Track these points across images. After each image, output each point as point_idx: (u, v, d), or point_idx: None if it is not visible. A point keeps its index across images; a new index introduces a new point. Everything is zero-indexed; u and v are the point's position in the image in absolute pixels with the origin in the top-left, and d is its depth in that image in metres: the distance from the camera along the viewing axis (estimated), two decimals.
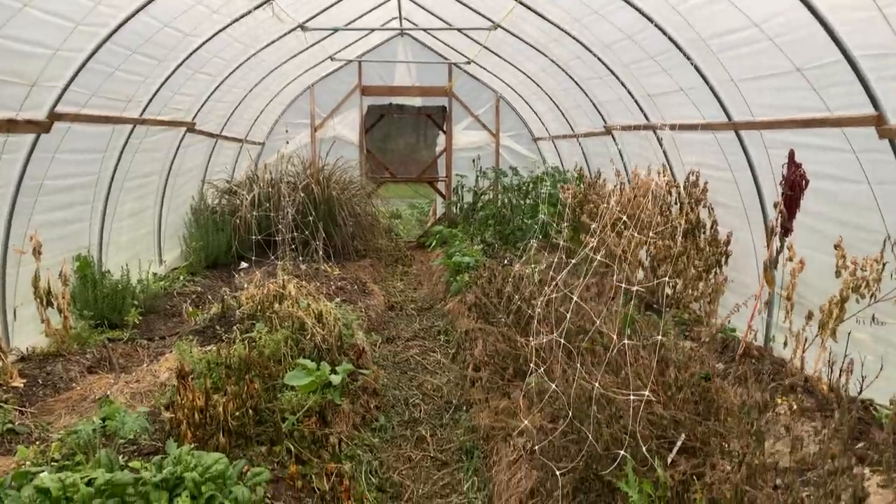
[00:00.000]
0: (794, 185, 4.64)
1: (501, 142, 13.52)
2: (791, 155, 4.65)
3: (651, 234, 7.20)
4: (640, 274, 7.37)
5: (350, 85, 13.06)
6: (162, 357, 5.72)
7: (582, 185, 9.98)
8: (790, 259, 4.63)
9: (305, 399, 4.09)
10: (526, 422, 3.58)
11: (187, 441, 3.29)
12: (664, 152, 7.43)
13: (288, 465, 3.56)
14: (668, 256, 6.74)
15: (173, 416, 3.41)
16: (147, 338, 6.47)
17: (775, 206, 4.81)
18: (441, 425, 5.28)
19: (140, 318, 6.85)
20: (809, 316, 4.61)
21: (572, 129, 10.69)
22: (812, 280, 4.81)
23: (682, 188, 6.92)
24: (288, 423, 3.74)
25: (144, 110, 7.02)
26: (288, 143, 12.95)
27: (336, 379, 4.05)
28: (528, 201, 11.91)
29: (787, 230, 4.75)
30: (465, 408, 5.45)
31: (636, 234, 7.46)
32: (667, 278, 6.78)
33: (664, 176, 7.18)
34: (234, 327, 5.18)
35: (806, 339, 4.50)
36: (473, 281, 7.71)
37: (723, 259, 6.36)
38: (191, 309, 6.65)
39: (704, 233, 6.73)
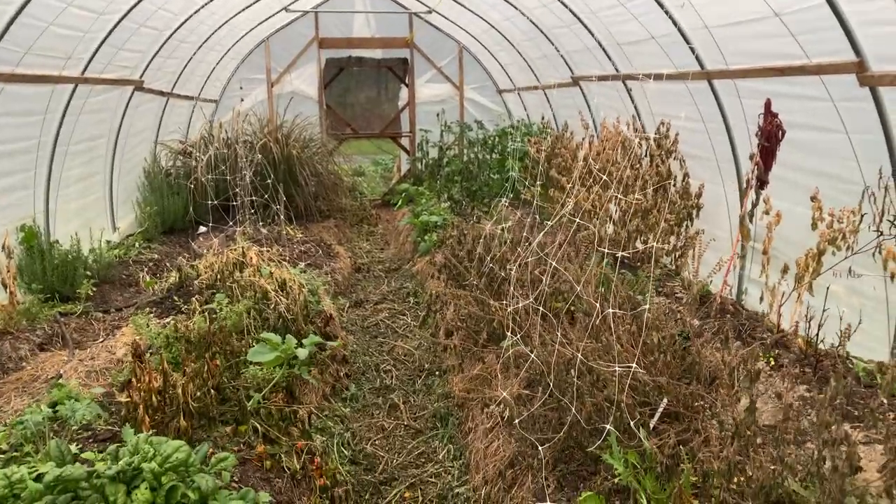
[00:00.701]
0: (771, 135, 4.51)
1: (466, 95, 13.19)
2: (768, 104, 4.50)
3: (621, 188, 7.07)
4: (610, 228, 7.27)
5: (307, 37, 12.54)
6: (119, 331, 5.45)
7: (549, 139, 9.78)
8: (766, 212, 4.53)
9: (271, 374, 3.90)
10: (504, 393, 3.44)
11: (145, 427, 3.08)
12: (634, 103, 7.26)
13: (255, 445, 3.38)
14: (638, 210, 6.63)
15: (129, 398, 3.19)
16: (102, 310, 6.16)
17: (751, 157, 4.68)
18: (414, 391, 5.14)
19: (94, 289, 6.52)
20: (785, 269, 4.53)
21: (538, 81, 10.44)
22: (788, 233, 4.73)
23: (652, 140, 6.78)
24: (253, 401, 3.54)
25: (86, 68, 6.56)
26: (243, 100, 12.45)
27: (303, 353, 3.85)
28: (494, 156, 11.69)
29: (762, 182, 4.64)
30: (437, 373, 5.32)
31: (606, 190, 7.33)
32: (637, 234, 6.68)
33: (634, 128, 7.02)
34: (194, 298, 4.93)
35: (783, 294, 4.42)
36: (442, 241, 7.53)
37: (694, 212, 6.27)
38: (147, 278, 6.35)
39: (675, 185, 6.62)
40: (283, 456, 3.45)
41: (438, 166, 11.95)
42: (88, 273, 6.54)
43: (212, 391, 3.39)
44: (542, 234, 4.84)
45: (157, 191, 9.07)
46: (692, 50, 5.45)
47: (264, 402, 3.65)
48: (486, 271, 4.80)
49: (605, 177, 7.27)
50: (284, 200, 9.04)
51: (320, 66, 12.66)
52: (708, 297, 5.77)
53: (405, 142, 13.39)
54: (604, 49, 7.20)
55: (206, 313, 4.72)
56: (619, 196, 7.03)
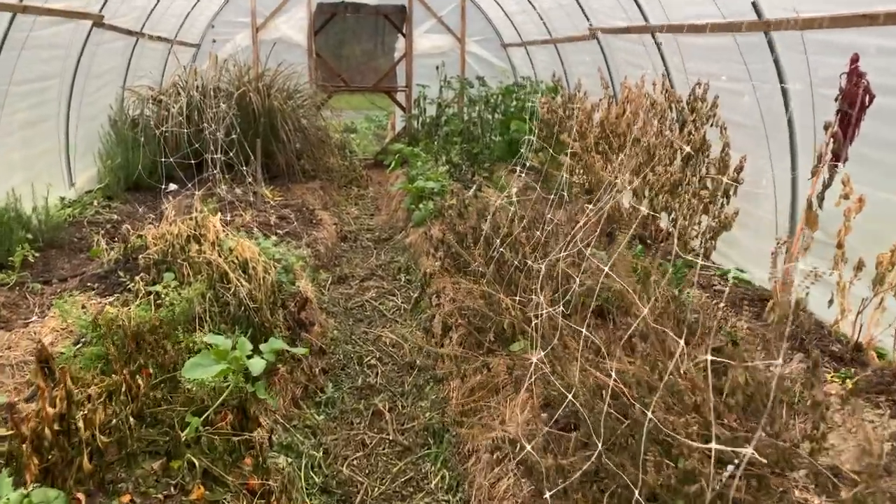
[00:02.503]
0: (854, 100, 3.63)
1: (468, 48, 12.15)
2: (854, 60, 3.61)
3: (646, 157, 6.19)
4: (626, 201, 6.41)
5: None
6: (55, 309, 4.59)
7: (560, 98, 8.84)
8: (846, 196, 3.67)
9: (221, 384, 3.06)
10: (516, 427, 2.61)
11: (30, 474, 2.25)
12: (664, 60, 6.32)
13: (190, 488, 2.57)
14: (665, 184, 5.76)
15: (14, 430, 2.35)
16: (42, 280, 5.27)
17: (825, 127, 3.80)
18: (402, 394, 4.32)
19: (37, 254, 5.65)
20: (859, 267, 3.72)
21: (549, 34, 9.44)
22: (861, 223, 3.89)
23: (684, 103, 5.88)
24: (190, 428, 2.71)
25: None
26: (215, 41, 11.39)
27: (257, 366, 2.99)
28: (497, 116, 10.74)
29: (838, 159, 3.77)
30: (430, 371, 4.50)
31: (627, 159, 6.44)
32: (664, 210, 5.83)
33: (664, 88, 6.09)
34: (138, 277, 4.06)
35: (864, 300, 3.60)
36: (440, 210, 6.65)
37: (731, 189, 5.41)
38: (95, 246, 5.46)
39: (707, 156, 5.74)
40: (228, 501, 2.63)
41: (436, 125, 10.99)
42: (30, 236, 5.65)
43: (130, 419, 2.55)
44: (561, 211, 3.99)
45: (122, 142, 8.10)
46: None
47: (207, 428, 2.82)
48: (495, 256, 3.94)
49: (628, 144, 6.39)
50: (263, 159, 8.12)
51: (310, 11, 11.58)
52: (751, 289, 4.95)
53: (401, 97, 12.39)
54: None
55: (153, 297, 3.87)
56: (643, 165, 6.18)
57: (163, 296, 3.73)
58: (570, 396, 2.41)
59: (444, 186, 7.36)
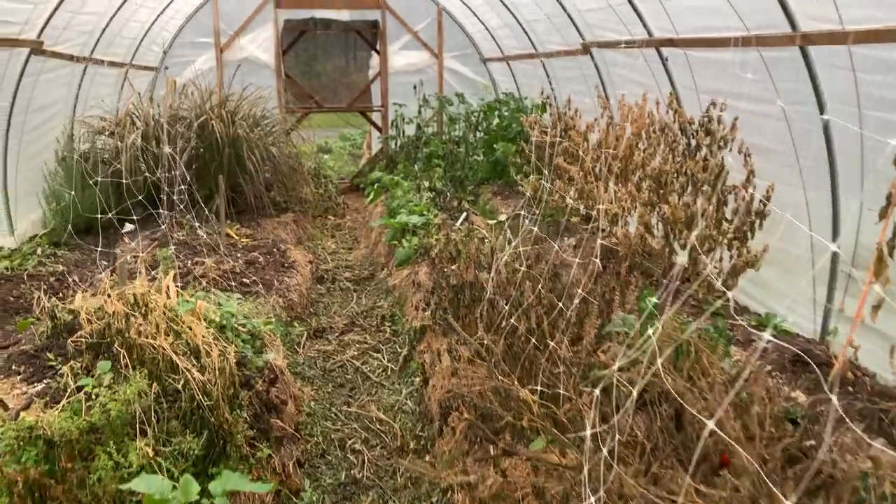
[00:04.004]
0: None
1: (445, 63, 11.51)
2: None
3: (652, 184, 5.56)
4: (632, 228, 5.77)
5: None
6: None
7: (549, 117, 8.21)
8: None
9: None
10: None
11: None
12: (670, 78, 5.71)
13: None
14: (679, 217, 5.12)
15: None
16: None
17: None
18: (394, 490, 3.61)
19: None
20: None
21: (534, 48, 8.81)
22: None
23: (696, 125, 5.27)
24: None
25: None
26: (189, 66, 10.64)
27: None
28: (479, 134, 10.10)
29: None
30: (426, 455, 3.79)
31: (626, 184, 5.82)
32: (683, 248, 5.19)
33: (672, 108, 5.47)
34: (67, 367, 3.30)
35: None
36: (425, 249, 5.96)
37: (758, 222, 4.79)
38: (22, 318, 4.68)
39: (724, 184, 5.13)
40: None
41: (416, 147, 10.32)
42: None
43: None
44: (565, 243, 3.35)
45: (71, 180, 7.30)
46: (781, 3, 3.90)
47: None
48: (502, 324, 3.25)
49: (635, 170, 5.76)
50: (230, 193, 7.40)
51: (277, 29, 10.87)
52: (792, 340, 4.32)
53: (376, 117, 11.70)
54: (633, 5, 5.61)
55: (84, 394, 3.13)
56: (652, 193, 5.55)
57: (92, 398, 2.99)
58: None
59: (428, 220, 6.67)
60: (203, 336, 3.23)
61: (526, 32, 8.78)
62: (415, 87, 10.73)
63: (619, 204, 5.57)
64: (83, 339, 3.45)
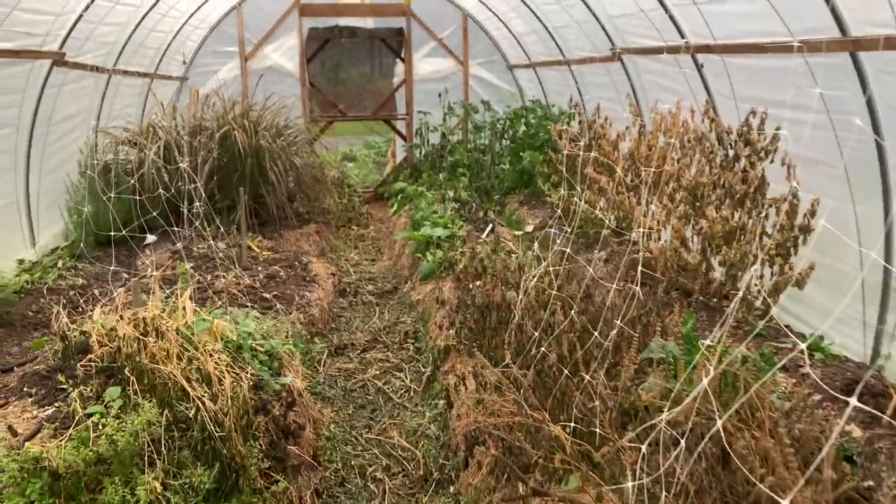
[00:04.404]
0: None
1: (471, 70, 11.33)
2: None
3: (688, 196, 5.31)
4: (664, 239, 5.52)
5: (286, 3, 10.67)
6: None
7: (577, 125, 7.99)
8: None
9: None
10: None
11: None
12: (706, 85, 5.46)
13: None
14: (720, 232, 4.86)
15: None
16: None
17: None
18: None
19: None
20: None
21: (562, 54, 8.60)
22: None
23: (735, 134, 5.02)
24: None
25: None
26: (213, 75, 10.61)
27: None
28: (505, 142, 9.90)
29: None
30: (450, 486, 3.59)
31: (659, 195, 5.57)
32: (722, 264, 4.93)
33: (710, 117, 5.23)
34: (76, 392, 3.17)
35: None
36: (450, 263, 5.78)
37: (802, 238, 4.53)
38: (40, 334, 4.58)
39: (765, 196, 4.87)
40: None
41: (440, 156, 10.16)
42: None
43: None
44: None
45: (93, 192, 7.24)
46: (830, 6, 3.65)
47: None
48: (532, 351, 3.04)
49: (669, 181, 5.52)
50: (252, 203, 7.29)
51: (302, 37, 10.79)
52: (841, 364, 4.05)
53: (400, 125, 11.56)
54: (667, 10, 5.38)
55: (91, 422, 2.99)
56: (688, 206, 5.30)
57: (100, 427, 2.84)
58: None
59: (453, 233, 6.49)
60: (216, 362, 3.07)
61: (554, 39, 8.57)
62: (440, 95, 10.58)
63: (655, 217, 5.33)
64: (93, 364, 3.32)
